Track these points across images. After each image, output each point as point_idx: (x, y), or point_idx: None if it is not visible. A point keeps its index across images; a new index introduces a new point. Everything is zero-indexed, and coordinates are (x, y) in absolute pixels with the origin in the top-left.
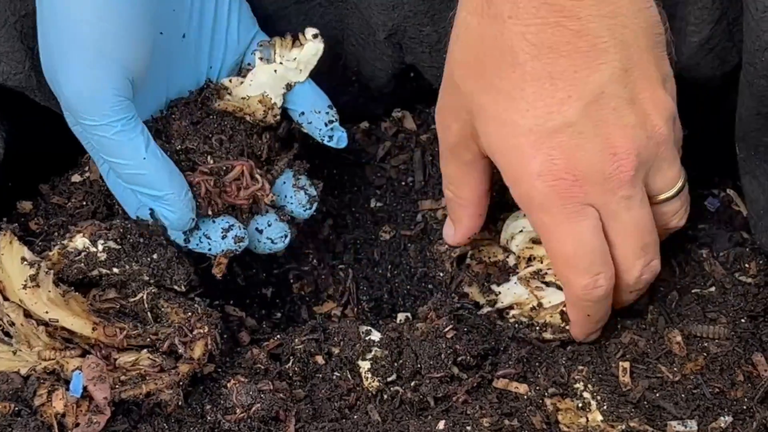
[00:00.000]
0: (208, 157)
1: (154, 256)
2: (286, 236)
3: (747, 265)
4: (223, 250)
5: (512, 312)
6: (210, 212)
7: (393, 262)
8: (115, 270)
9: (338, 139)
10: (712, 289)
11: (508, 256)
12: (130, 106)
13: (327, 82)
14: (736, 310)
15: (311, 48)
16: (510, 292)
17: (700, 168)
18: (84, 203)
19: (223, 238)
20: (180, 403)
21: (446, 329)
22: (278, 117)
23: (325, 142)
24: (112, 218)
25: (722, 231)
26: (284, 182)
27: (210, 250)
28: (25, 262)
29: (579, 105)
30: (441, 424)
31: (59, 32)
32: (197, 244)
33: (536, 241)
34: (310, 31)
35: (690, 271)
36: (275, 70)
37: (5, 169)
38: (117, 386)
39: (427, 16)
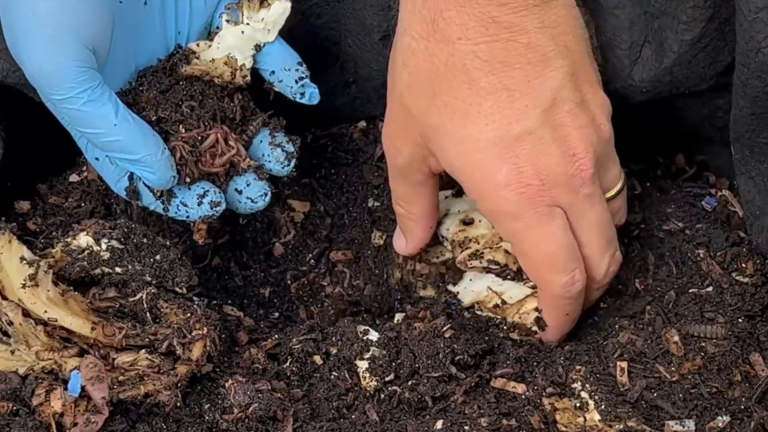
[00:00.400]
0: (180, 126)
1: (157, 257)
2: (266, 194)
3: (744, 265)
4: (200, 216)
5: (476, 310)
6: (187, 180)
7: (388, 262)
8: (118, 269)
9: (310, 95)
10: (710, 288)
11: (454, 251)
12: (94, 75)
13: (324, 84)
14: (734, 309)
15: (278, 7)
16: (468, 291)
17: (696, 167)
18: (82, 203)
19: (200, 204)
20: (178, 404)
21: (444, 329)
22: (248, 78)
23: (297, 100)
24: (110, 218)
25: (719, 231)
26: (261, 141)
27: (188, 216)
28: (24, 262)
29: (537, 112)
30: (439, 424)
31: (18, 9)
32: (176, 212)
33: (467, 222)
34: None
35: (687, 271)
36: (242, 32)
37: (3, 169)
38: (115, 386)
39: None
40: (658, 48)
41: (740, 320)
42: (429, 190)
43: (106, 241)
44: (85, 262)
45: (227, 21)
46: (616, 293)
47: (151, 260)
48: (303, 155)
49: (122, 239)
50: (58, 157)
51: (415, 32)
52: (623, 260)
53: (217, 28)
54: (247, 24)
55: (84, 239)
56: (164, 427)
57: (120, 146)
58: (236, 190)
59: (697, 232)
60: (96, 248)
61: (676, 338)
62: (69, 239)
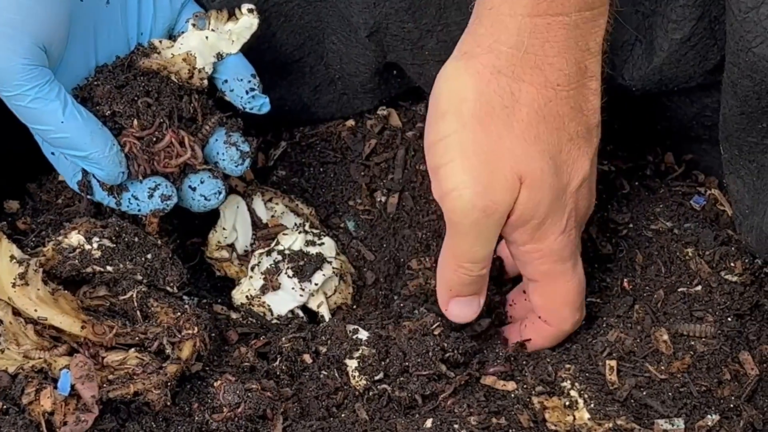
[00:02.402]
0: (134, 121)
1: (149, 255)
2: (219, 192)
3: (733, 264)
4: (151, 210)
5: None
6: (140, 177)
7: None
8: (109, 268)
9: (260, 105)
10: (698, 287)
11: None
12: (43, 73)
13: (310, 82)
14: (723, 308)
15: (246, 21)
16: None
17: (685, 166)
18: (71, 202)
19: (150, 197)
20: (167, 403)
21: (433, 326)
22: (205, 81)
23: (247, 110)
24: (100, 216)
25: (708, 230)
26: (216, 139)
27: (139, 210)
28: (14, 260)
29: (591, 158)
30: (428, 422)
31: None
32: (127, 206)
33: None
34: (245, 6)
35: (676, 270)
36: (207, 37)
37: None
38: (105, 385)
39: (408, 13)
40: (648, 47)
41: (729, 319)
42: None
43: (97, 239)
44: (77, 261)
45: (193, 25)
46: (605, 292)
47: (143, 259)
48: (292, 154)
49: (113, 238)
50: (46, 158)
51: (518, 75)
52: (612, 259)
53: (182, 31)
54: (213, 31)
55: (75, 238)
56: (154, 426)
57: (68, 143)
58: (190, 187)
59: (686, 231)
60: (87, 247)
61: (665, 337)
62: (60, 238)
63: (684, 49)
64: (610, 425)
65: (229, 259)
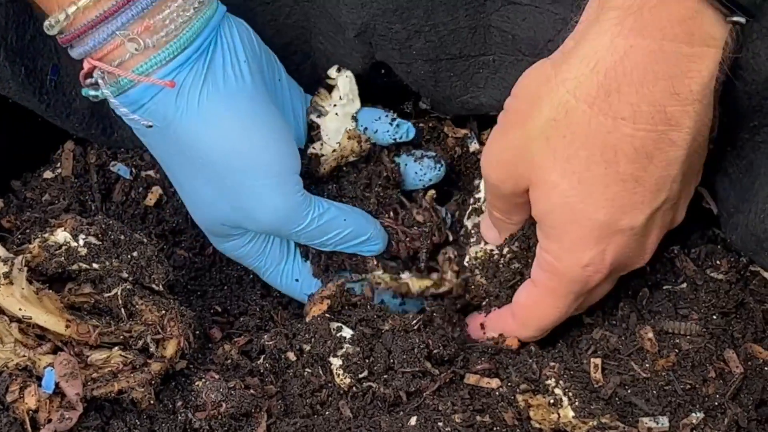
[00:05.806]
0: (400, 233)
1: (134, 253)
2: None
3: (718, 262)
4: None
5: None
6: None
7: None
8: (95, 265)
9: (407, 130)
10: (684, 285)
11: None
12: (308, 194)
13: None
14: (708, 306)
15: (344, 81)
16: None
17: None
18: (56, 199)
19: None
20: (152, 400)
21: (413, 321)
22: (369, 142)
23: (398, 140)
24: (85, 214)
25: (694, 227)
26: (406, 164)
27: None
28: None
29: (648, 211)
30: (413, 420)
31: (239, 173)
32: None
33: None
34: (332, 71)
35: (661, 268)
36: (336, 113)
37: None
38: (89, 383)
39: (396, 14)
40: None
41: (714, 317)
42: (527, 203)
43: (83, 237)
44: (63, 258)
45: (318, 117)
46: None
47: (128, 257)
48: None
49: (100, 235)
50: (30, 156)
51: (581, 92)
52: None
53: (312, 122)
54: (334, 106)
55: (62, 235)
56: (138, 423)
57: (352, 235)
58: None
59: (672, 229)
60: (73, 244)
61: (650, 335)
62: (47, 235)
63: None
64: (595, 423)
65: None
